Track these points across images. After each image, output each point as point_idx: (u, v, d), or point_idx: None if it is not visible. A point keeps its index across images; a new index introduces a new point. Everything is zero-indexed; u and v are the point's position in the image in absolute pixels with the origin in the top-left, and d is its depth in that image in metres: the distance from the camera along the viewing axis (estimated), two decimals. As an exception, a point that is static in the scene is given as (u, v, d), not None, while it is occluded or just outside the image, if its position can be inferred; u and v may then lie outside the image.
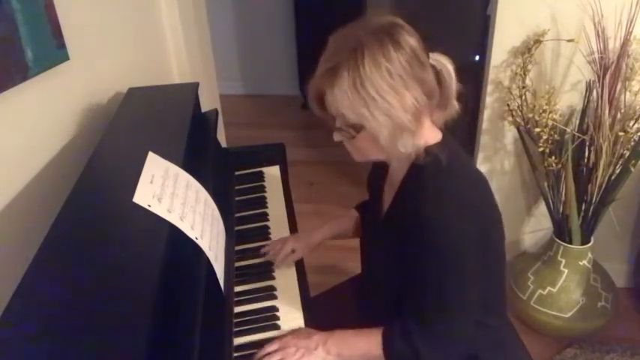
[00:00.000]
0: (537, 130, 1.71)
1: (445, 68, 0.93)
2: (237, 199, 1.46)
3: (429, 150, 0.94)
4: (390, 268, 1.00)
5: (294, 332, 1.03)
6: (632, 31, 1.57)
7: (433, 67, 0.93)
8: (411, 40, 0.88)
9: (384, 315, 1.07)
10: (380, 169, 1.10)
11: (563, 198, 1.80)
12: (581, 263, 1.81)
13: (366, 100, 0.86)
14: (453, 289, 0.93)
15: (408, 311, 0.98)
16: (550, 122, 1.69)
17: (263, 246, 1.27)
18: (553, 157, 1.72)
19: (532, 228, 2.11)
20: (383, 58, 0.85)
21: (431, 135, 0.97)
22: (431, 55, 0.93)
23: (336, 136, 0.97)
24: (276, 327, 1.05)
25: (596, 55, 1.64)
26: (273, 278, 1.18)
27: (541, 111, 1.70)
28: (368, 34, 0.87)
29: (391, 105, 0.86)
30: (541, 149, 1.73)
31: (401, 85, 0.86)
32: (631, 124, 1.62)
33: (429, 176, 0.93)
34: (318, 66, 0.91)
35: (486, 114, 1.93)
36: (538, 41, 1.70)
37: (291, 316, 1.09)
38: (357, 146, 0.96)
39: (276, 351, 0.98)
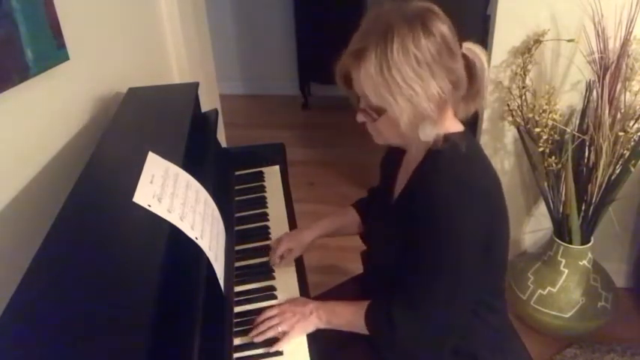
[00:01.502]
0: (537, 130, 1.71)
1: (478, 59, 0.93)
2: (237, 199, 1.46)
3: (448, 137, 0.93)
4: (397, 254, 0.99)
5: (291, 300, 1.09)
6: (632, 31, 1.57)
7: (465, 57, 0.92)
8: (442, 27, 0.87)
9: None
10: (395, 154, 1.10)
11: (563, 198, 1.80)
12: (581, 263, 1.81)
13: (391, 86, 0.86)
14: (446, 274, 0.92)
15: (397, 287, 0.97)
16: (550, 122, 1.69)
17: (263, 246, 1.28)
18: (553, 157, 1.72)
19: (532, 228, 2.11)
20: (412, 44, 0.84)
21: (452, 125, 0.97)
22: (464, 44, 0.93)
23: (359, 117, 0.97)
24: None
25: (596, 55, 1.64)
26: (273, 278, 1.18)
27: (541, 111, 1.70)
28: (400, 18, 0.86)
29: (415, 92, 0.86)
30: (541, 149, 1.73)
31: (427, 74, 0.86)
32: (631, 124, 1.62)
33: (445, 161, 0.93)
34: (349, 44, 0.90)
35: (486, 114, 1.93)
36: (538, 41, 1.70)
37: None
38: (378, 129, 0.96)
39: (274, 315, 1.03)
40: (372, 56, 0.86)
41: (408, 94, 0.86)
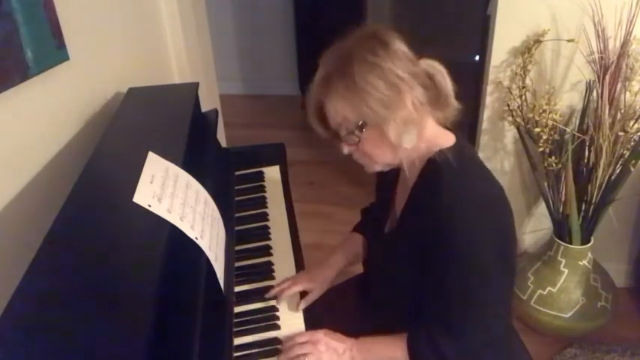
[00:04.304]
0: (537, 130, 1.71)
1: (438, 72, 0.93)
2: (237, 199, 1.46)
3: (441, 154, 0.92)
4: (402, 270, 0.99)
5: (328, 331, 1.03)
6: (632, 31, 1.57)
7: (425, 71, 0.93)
8: (397, 41, 0.90)
9: (388, 316, 1.07)
10: (389, 176, 1.09)
11: (563, 198, 1.80)
12: (581, 263, 1.81)
13: (362, 95, 0.87)
14: (477, 289, 0.90)
15: (432, 317, 0.95)
16: (550, 122, 1.69)
17: (263, 246, 1.27)
18: (553, 157, 1.72)
19: (532, 228, 2.11)
20: (371, 55, 0.87)
21: (441, 137, 0.96)
22: (421, 61, 0.93)
23: (345, 148, 0.97)
24: (277, 327, 1.06)
25: (596, 55, 1.64)
26: (273, 278, 1.18)
27: (541, 111, 1.70)
28: (355, 41, 0.90)
29: (388, 98, 0.87)
30: (541, 149, 1.73)
31: (395, 78, 0.87)
32: (631, 124, 1.62)
33: (444, 176, 0.91)
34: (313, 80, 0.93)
35: (486, 114, 1.93)
36: (538, 41, 1.70)
37: (291, 316, 1.09)
38: (365, 152, 0.95)
39: (306, 342, 0.98)
40: (336, 78, 0.89)
41: (381, 99, 0.87)
